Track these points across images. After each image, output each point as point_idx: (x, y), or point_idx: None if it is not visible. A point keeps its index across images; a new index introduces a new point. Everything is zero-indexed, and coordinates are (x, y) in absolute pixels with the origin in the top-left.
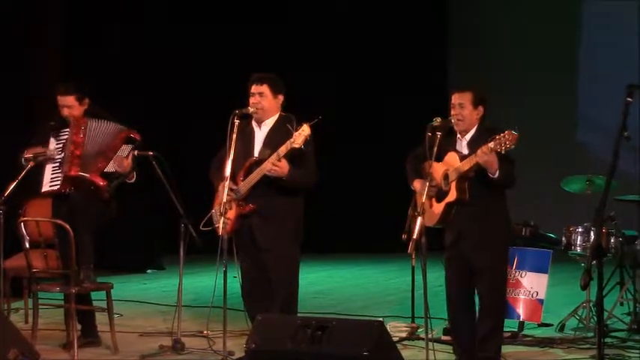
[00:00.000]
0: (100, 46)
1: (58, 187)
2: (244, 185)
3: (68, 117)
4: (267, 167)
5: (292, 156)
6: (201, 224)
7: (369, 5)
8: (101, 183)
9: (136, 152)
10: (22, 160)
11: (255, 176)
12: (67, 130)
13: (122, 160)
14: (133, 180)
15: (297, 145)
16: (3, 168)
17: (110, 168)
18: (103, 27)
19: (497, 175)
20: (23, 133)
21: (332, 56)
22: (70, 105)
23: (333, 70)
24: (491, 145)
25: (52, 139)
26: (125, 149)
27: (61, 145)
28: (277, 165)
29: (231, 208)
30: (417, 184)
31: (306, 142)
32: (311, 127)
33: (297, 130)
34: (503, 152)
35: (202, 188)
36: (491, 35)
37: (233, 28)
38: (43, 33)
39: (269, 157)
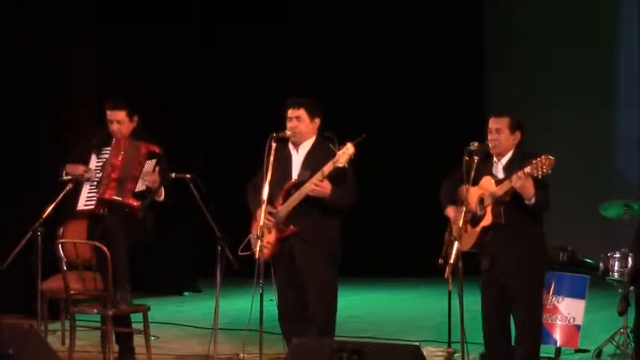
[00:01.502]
0: (134, 67)
1: (93, 207)
2: (284, 208)
3: (116, 133)
4: (309, 188)
5: (332, 176)
6: (240, 249)
7: (404, 27)
8: (135, 204)
9: (173, 175)
10: (62, 178)
11: (295, 198)
12: (109, 148)
13: (150, 175)
14: (161, 198)
15: (340, 165)
16: (42, 188)
17: (140, 187)
18: (135, 51)
19: (533, 200)
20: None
21: (372, 74)
22: (121, 120)
23: (372, 88)
24: (527, 170)
25: (93, 157)
26: (150, 165)
27: (101, 165)
28: (320, 185)
29: (270, 232)
30: (450, 212)
31: (349, 161)
32: (355, 145)
33: (340, 150)
34: (539, 177)
35: (239, 210)
36: (526, 55)
37: (277, 49)
38: (80, 54)
39: (309, 178)
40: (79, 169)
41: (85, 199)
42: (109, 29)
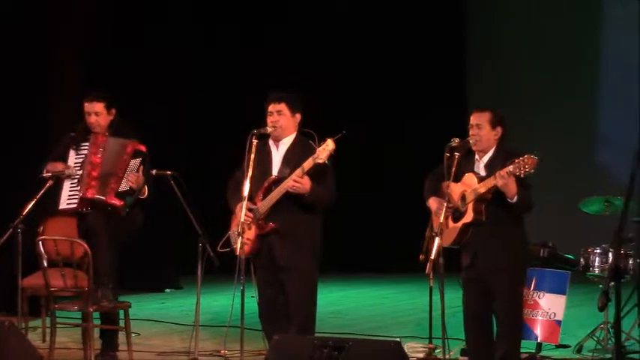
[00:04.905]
0: (121, 61)
1: (75, 206)
2: (264, 205)
3: (94, 126)
4: (289, 184)
5: (312, 173)
6: (219, 245)
7: (386, 19)
8: (118, 204)
9: (154, 171)
10: (42, 175)
11: (275, 195)
12: (87, 144)
13: (135, 176)
14: (145, 196)
15: (320, 161)
16: (20, 183)
17: (124, 186)
18: (125, 43)
19: (515, 199)
20: (40, 149)
21: (351, 74)
22: (98, 112)
23: (351, 88)
24: (510, 168)
25: (71, 152)
26: (134, 164)
27: (80, 161)
28: (299, 181)
29: (250, 229)
30: (432, 203)
31: (329, 157)
32: (335, 142)
33: (320, 146)
34: (522, 176)
35: (220, 208)
36: (508, 52)
37: (252, 51)
38: (69, 54)
39: (289, 175)
40: (59, 166)
41: (67, 198)
42: (99, 30)
